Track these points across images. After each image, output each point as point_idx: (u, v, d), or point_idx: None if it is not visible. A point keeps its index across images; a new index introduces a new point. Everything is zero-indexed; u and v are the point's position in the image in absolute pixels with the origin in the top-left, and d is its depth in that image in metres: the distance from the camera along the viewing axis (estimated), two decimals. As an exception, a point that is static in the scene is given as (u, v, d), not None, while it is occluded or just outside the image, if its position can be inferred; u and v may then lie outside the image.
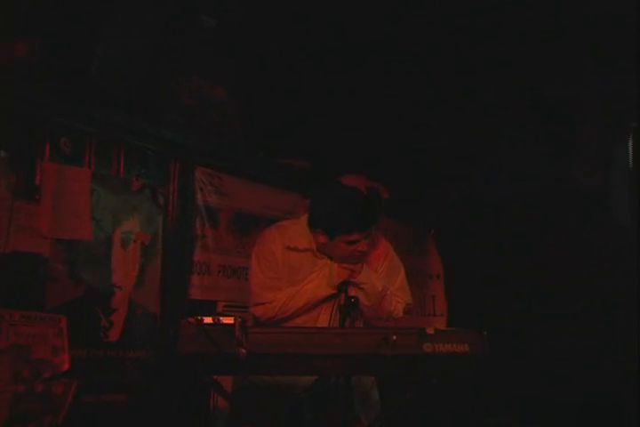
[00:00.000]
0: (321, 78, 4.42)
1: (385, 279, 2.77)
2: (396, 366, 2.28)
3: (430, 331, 2.29)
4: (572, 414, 4.52)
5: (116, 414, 3.18)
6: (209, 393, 2.75)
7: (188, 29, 3.86)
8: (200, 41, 3.92)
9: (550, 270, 5.08)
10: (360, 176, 5.11)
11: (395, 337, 2.23)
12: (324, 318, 2.68)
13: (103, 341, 3.27)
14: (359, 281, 2.68)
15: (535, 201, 5.09)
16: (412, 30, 4.12)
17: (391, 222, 5.29)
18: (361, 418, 2.59)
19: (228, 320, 2.22)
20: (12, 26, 3.00)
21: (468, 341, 2.28)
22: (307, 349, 2.24)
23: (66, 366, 2.89)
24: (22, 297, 2.96)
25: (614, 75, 4.25)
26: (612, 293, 4.70)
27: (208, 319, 2.23)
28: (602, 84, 4.34)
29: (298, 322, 2.67)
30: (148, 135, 3.56)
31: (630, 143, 4.54)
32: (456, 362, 2.28)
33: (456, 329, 2.35)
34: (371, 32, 4.14)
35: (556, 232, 4.99)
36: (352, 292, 2.65)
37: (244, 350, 2.17)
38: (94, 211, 3.27)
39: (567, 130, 4.45)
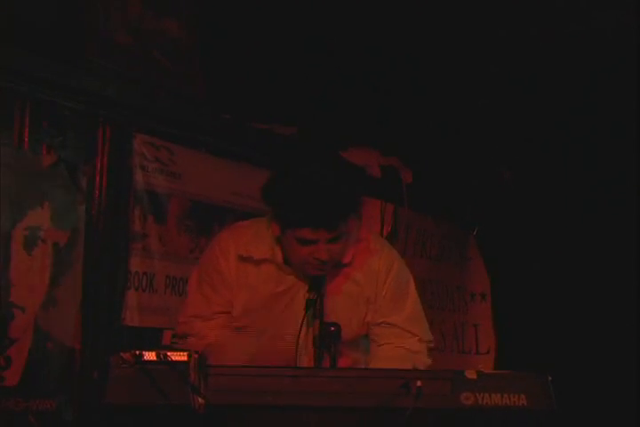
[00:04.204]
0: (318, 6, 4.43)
1: (389, 305, 2.75)
2: (422, 425, 2.29)
3: (471, 375, 2.28)
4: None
5: None
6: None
7: None
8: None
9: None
10: (372, 150, 5.16)
11: (419, 383, 2.23)
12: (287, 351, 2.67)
13: (-3, 385, 3.28)
14: None
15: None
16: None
17: (416, 217, 5.31)
18: None
19: (180, 357, 2.22)
20: None
21: (526, 389, 2.28)
22: (292, 398, 2.24)
23: (-58, 422, 2.89)
24: None
25: None
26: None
27: (150, 355, 2.23)
28: None
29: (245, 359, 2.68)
30: (65, 87, 3.55)
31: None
32: (508, 420, 2.29)
33: (508, 372, 2.35)
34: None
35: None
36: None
37: (201, 401, 2.17)
38: (-15, 197, 3.27)
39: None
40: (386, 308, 2.75)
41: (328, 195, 2.56)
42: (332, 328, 2.56)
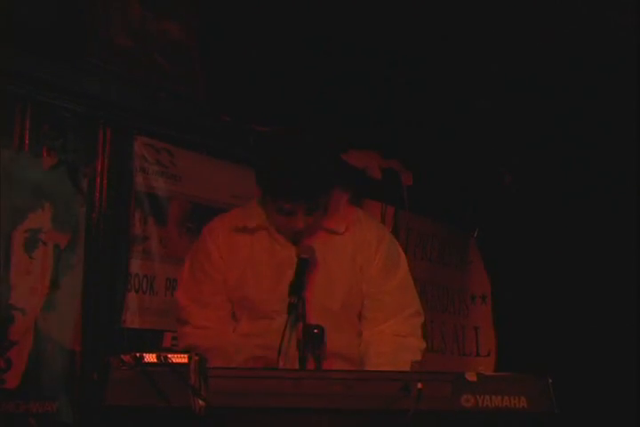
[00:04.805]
0: (318, 8, 4.44)
1: (381, 274, 2.79)
2: (422, 427, 2.29)
3: (471, 377, 2.28)
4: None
5: None
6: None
7: None
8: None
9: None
10: (373, 152, 5.16)
11: (420, 385, 2.23)
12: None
13: (-3, 387, 3.28)
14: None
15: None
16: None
17: (416, 220, 5.31)
18: None
19: (180, 359, 2.22)
20: None
21: (527, 391, 2.28)
22: (293, 401, 2.24)
23: (-58, 424, 2.89)
24: None
25: None
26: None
27: (150, 357, 2.23)
28: None
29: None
30: (66, 89, 3.55)
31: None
32: (508, 422, 2.29)
33: (509, 374, 2.34)
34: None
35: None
36: (312, 315, 2.62)
37: (202, 403, 2.18)
38: (-14, 199, 3.27)
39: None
40: (377, 276, 2.79)
41: (304, 170, 2.61)
42: (315, 330, 2.56)
